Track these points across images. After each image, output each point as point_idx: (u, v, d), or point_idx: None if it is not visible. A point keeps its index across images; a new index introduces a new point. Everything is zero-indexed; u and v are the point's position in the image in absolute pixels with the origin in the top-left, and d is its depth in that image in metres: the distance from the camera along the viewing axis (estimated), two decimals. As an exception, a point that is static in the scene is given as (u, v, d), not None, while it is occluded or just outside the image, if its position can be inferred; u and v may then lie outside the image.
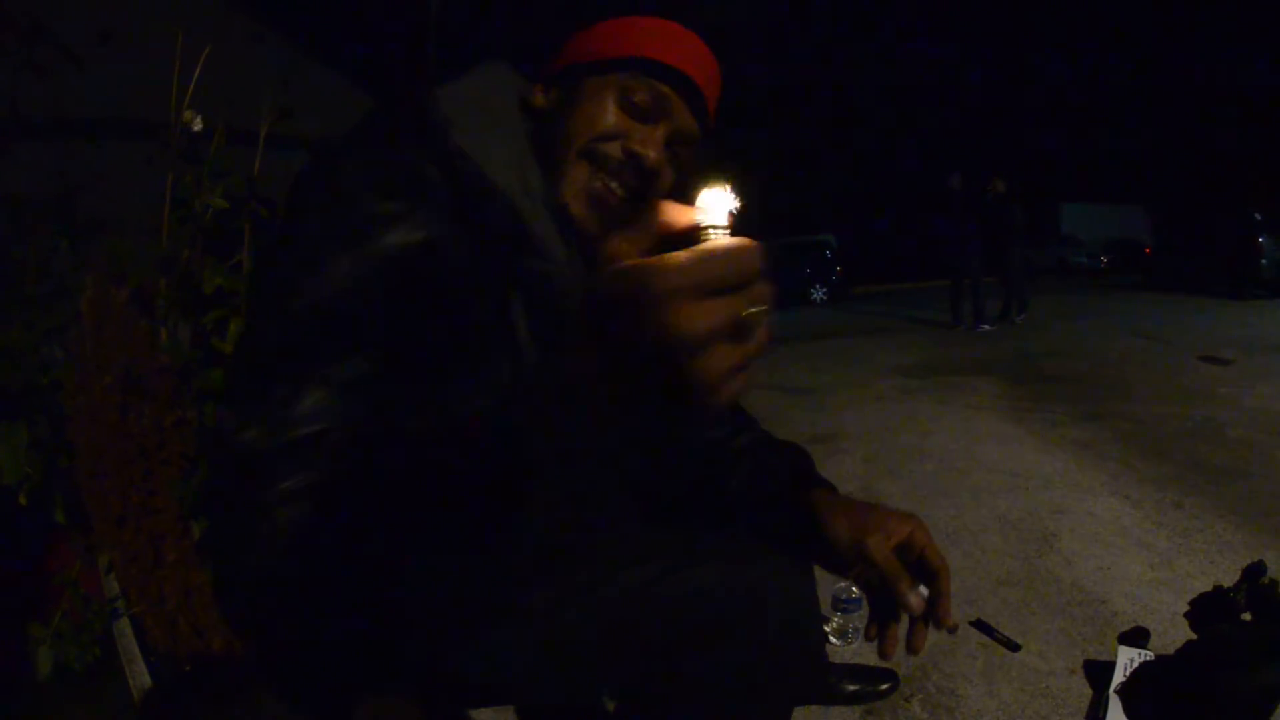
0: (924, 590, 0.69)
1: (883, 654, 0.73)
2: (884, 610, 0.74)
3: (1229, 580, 1.55)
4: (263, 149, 1.72)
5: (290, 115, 1.76)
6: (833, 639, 1.68)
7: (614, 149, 0.72)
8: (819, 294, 16.43)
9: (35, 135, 2.04)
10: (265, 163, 1.72)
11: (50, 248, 1.70)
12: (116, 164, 1.92)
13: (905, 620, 0.71)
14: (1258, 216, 9.70)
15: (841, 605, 1.69)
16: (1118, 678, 1.41)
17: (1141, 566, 1.94)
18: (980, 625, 1.72)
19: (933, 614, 0.68)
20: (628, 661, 0.69)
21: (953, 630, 0.70)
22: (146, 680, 1.39)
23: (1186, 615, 1.54)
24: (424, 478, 0.56)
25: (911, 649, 0.69)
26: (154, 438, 1.37)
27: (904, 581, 0.68)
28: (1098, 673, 1.48)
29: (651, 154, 0.72)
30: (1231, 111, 27.00)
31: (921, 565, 0.70)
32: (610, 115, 0.72)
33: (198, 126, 1.63)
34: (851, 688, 1.46)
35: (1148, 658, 1.45)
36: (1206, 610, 1.55)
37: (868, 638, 0.75)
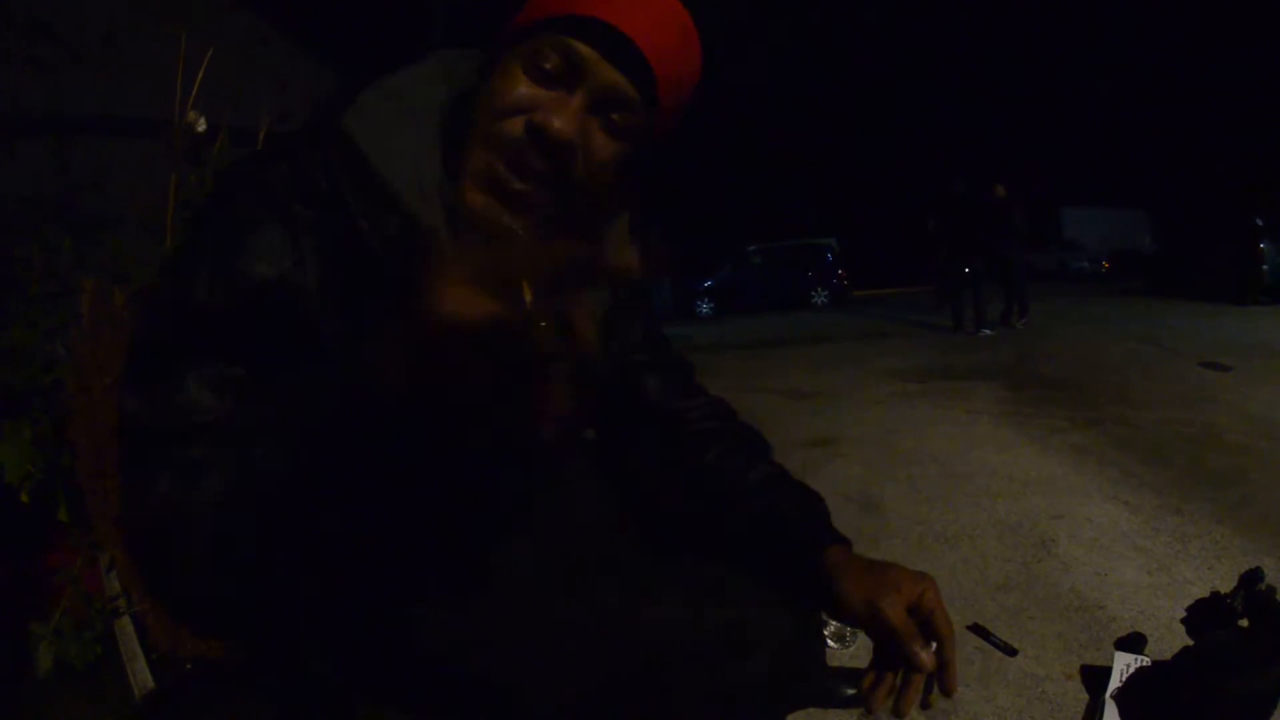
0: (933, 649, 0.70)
1: (870, 707, 0.73)
2: (885, 663, 0.73)
3: (1226, 586, 1.55)
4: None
5: (289, 117, 1.77)
6: (831, 643, 1.69)
7: (514, 126, 0.60)
8: (820, 297, 16.47)
9: (39, 134, 2.05)
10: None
11: (53, 247, 1.71)
12: (120, 164, 1.93)
13: (901, 678, 0.71)
14: (1259, 222, 9.66)
15: (839, 609, 1.70)
16: (1114, 683, 1.42)
17: (1139, 572, 1.94)
18: (977, 630, 1.72)
19: (941, 678, 0.68)
20: (610, 685, 0.69)
21: (950, 694, 0.70)
22: (147, 678, 1.39)
23: (1183, 621, 1.55)
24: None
25: (899, 711, 0.69)
26: (155, 437, 1.37)
27: (917, 641, 0.68)
28: (1094, 678, 1.48)
29: (557, 123, 0.59)
30: (1233, 116, 27.00)
31: (928, 627, 0.70)
32: (517, 88, 0.61)
33: (201, 127, 1.64)
34: (849, 691, 1.47)
35: (1144, 663, 1.45)
36: (1203, 616, 1.55)
37: (862, 688, 0.75)
